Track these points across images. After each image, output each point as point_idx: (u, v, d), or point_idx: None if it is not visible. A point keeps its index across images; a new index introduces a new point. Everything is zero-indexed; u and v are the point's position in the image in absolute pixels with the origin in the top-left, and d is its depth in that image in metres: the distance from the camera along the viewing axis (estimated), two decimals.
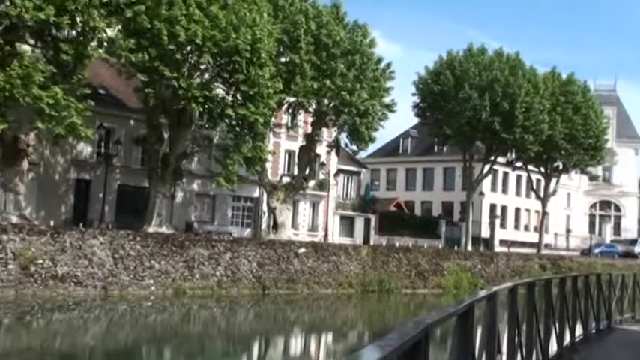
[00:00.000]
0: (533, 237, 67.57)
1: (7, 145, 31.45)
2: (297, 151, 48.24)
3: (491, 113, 52.57)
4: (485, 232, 64.05)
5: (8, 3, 28.08)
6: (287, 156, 52.30)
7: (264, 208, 48.20)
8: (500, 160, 61.14)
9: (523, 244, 65.99)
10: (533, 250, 61.20)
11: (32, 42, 30.90)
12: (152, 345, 23.35)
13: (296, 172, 47.58)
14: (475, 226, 61.17)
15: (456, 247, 54.23)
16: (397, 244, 48.91)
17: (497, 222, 66.14)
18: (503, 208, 71.01)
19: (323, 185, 52.96)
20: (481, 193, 61.89)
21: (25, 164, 32.88)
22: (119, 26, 32.95)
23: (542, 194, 64.39)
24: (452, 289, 43.43)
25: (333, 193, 54.80)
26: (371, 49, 44.35)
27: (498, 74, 53.13)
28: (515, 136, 53.44)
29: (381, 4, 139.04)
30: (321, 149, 49.93)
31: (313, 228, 54.14)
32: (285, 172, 50.42)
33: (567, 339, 12.75)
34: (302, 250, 39.41)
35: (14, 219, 31.23)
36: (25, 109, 29.39)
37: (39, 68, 28.58)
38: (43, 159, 39.11)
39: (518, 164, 62.69)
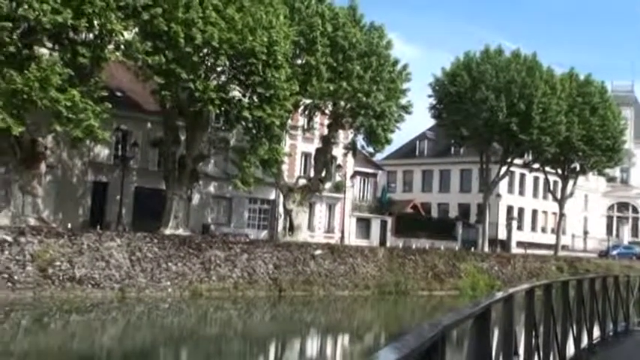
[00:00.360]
0: (550, 239, 67.14)
1: (25, 148, 31.69)
2: (313, 153, 48.26)
3: (508, 114, 52.34)
4: (502, 234, 63.74)
5: (26, 6, 28.31)
6: (303, 158, 52.32)
7: (281, 210, 48.25)
8: (517, 161, 60.84)
9: (540, 245, 65.59)
10: (551, 252, 60.83)
11: (50, 45, 31.12)
12: (170, 347, 23.43)
13: (312, 173, 47.60)
14: (492, 228, 60.90)
15: (472, 249, 54.01)
16: (413, 246, 48.80)
17: (514, 224, 65.80)
18: (520, 210, 70.64)
19: (339, 187, 52.94)
20: (498, 195, 61.62)
21: (43, 167, 33.12)
22: (136, 29, 33.12)
23: (559, 196, 63.97)
24: (468, 291, 43.24)
25: (349, 194, 54.76)
26: (387, 50, 44.31)
27: (515, 75, 52.90)
28: (532, 137, 53.17)
29: (398, 6, 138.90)
30: (337, 151, 49.91)
31: (329, 230, 54.11)
32: (302, 174, 50.43)
33: (585, 341, 12.65)
34: (318, 251, 39.41)
35: (32, 221, 31.45)
36: (42, 112, 29.62)
37: (56, 71, 28.79)
38: (61, 161, 39.38)
39: (536, 166, 62.35)
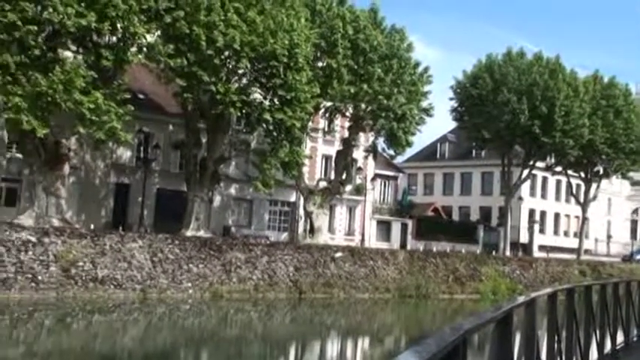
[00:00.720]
0: (572, 243, 66.56)
1: (49, 150, 32.03)
2: (334, 156, 48.27)
3: (530, 117, 52.02)
4: (523, 238, 63.30)
5: (51, 10, 28.63)
6: (324, 160, 52.35)
7: (301, 212, 48.31)
8: (540, 164, 60.41)
9: (562, 249, 65.04)
10: (573, 256, 60.28)
11: (74, 48, 31.45)
12: (191, 348, 23.53)
13: (333, 176, 47.61)
14: (513, 232, 60.49)
15: (493, 253, 53.69)
16: (434, 249, 48.63)
17: (536, 227, 65.31)
18: (543, 213, 70.13)
19: (360, 190, 52.89)
20: (520, 198, 61.20)
21: (67, 168, 33.45)
22: (158, 32, 33.36)
23: (582, 199, 63.42)
24: (490, 295, 42.99)
25: (369, 197, 54.68)
26: (408, 53, 44.22)
27: (537, 78, 52.58)
28: (554, 140, 52.78)
29: (419, 8, 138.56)
30: (358, 154, 49.88)
31: (350, 232, 54.08)
32: (322, 177, 50.47)
33: (608, 347, 12.52)
34: (339, 254, 39.40)
35: (56, 222, 31.77)
36: (66, 114, 29.92)
37: (80, 74, 29.08)
38: (84, 163, 39.73)
39: (558, 169, 61.86)
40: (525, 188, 63.72)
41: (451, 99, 57.08)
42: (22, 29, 27.86)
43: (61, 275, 28.53)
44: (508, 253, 56.06)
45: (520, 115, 51.90)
